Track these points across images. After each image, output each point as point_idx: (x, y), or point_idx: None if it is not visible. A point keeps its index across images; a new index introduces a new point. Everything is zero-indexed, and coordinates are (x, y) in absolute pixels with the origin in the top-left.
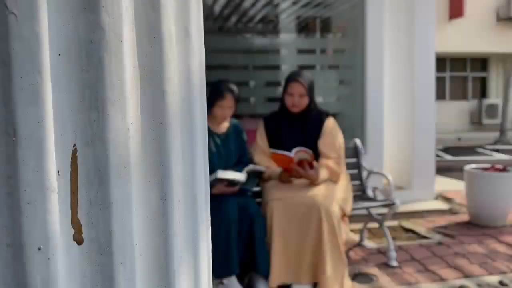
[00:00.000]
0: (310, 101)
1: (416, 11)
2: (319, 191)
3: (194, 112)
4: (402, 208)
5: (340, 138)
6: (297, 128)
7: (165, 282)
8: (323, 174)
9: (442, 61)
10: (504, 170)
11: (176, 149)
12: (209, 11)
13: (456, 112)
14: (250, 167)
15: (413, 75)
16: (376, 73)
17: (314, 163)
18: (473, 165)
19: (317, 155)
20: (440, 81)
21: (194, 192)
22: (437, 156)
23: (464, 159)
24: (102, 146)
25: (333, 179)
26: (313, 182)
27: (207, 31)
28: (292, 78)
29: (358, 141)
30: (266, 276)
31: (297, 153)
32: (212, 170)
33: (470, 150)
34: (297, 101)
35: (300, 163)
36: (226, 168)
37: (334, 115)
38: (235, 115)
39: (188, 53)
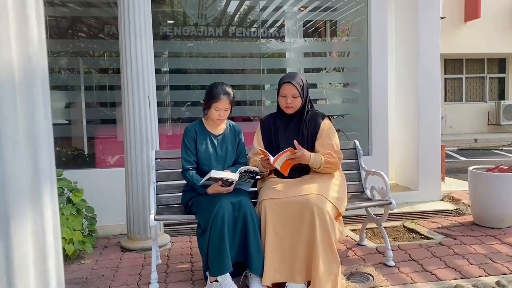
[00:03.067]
0: (304, 103)
1: (420, 13)
2: (312, 190)
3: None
4: (407, 209)
5: (336, 139)
6: (292, 130)
7: None
8: (317, 157)
9: (458, 63)
10: (508, 170)
11: None
12: (220, 17)
13: (473, 113)
14: (244, 167)
15: (417, 76)
16: (381, 75)
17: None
18: (477, 166)
19: None
20: (457, 83)
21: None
22: (451, 157)
23: (477, 160)
24: None
25: (332, 168)
26: (306, 162)
27: (215, 36)
28: (284, 80)
29: (357, 142)
30: (260, 275)
31: (277, 159)
32: (209, 171)
33: (485, 151)
34: (290, 102)
35: (285, 165)
36: (223, 168)
37: (340, 117)
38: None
39: None
